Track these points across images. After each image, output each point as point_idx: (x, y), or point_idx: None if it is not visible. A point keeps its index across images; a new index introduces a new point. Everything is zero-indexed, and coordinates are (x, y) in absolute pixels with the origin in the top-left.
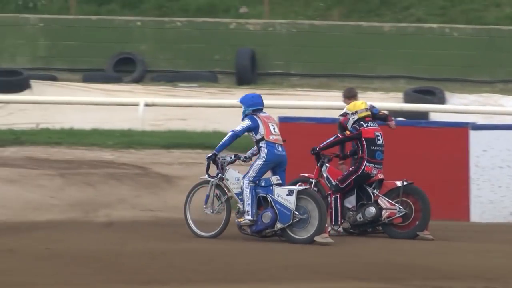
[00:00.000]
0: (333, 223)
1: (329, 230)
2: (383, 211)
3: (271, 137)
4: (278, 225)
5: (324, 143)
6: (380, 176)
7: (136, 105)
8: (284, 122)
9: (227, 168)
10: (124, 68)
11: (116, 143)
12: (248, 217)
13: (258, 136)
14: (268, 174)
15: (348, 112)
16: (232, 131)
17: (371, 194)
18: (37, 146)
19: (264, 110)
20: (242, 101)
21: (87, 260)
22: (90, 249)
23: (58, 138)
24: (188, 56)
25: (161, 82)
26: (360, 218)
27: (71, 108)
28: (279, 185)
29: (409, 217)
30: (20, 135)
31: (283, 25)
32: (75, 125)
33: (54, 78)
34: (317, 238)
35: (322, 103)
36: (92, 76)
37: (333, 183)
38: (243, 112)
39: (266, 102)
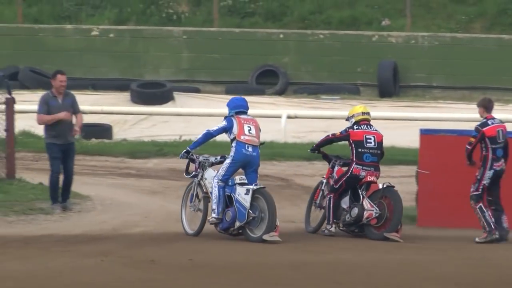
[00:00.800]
0: (326, 222)
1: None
2: (364, 212)
3: (242, 137)
4: (237, 223)
5: (318, 141)
6: (370, 178)
7: (279, 117)
8: (426, 134)
9: (208, 168)
10: (267, 81)
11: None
12: (214, 215)
13: (231, 136)
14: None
15: (349, 116)
16: (208, 130)
17: (360, 195)
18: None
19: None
20: (228, 104)
21: (229, 271)
22: (231, 260)
23: (200, 150)
24: (330, 69)
25: (303, 94)
26: (348, 218)
27: (213, 120)
28: (242, 184)
29: (383, 218)
30: (163, 146)
31: (425, 38)
32: (217, 137)
33: (197, 90)
34: (265, 237)
35: (464, 115)
36: (235, 88)
37: (331, 183)
38: (229, 114)
39: (407, 114)
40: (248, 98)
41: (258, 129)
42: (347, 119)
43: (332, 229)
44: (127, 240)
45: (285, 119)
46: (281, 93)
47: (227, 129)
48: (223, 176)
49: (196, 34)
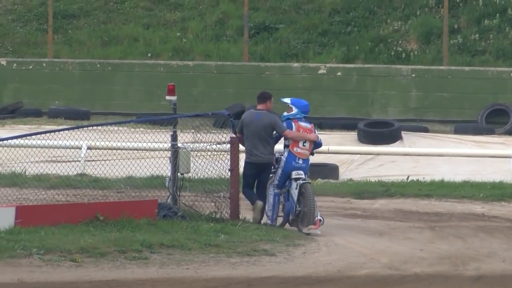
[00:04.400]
0: None
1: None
2: None
3: (295, 149)
4: (291, 217)
5: None
6: None
7: (509, 157)
8: None
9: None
10: (497, 120)
11: (487, 195)
12: (268, 221)
13: (286, 143)
14: None
15: None
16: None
17: None
18: (407, 198)
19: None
20: (296, 104)
21: None
22: None
23: (428, 190)
24: None
25: None
26: None
27: (442, 160)
28: (296, 179)
29: None
30: (390, 187)
31: None
32: (446, 177)
33: (425, 130)
34: (304, 230)
35: None
36: (464, 127)
37: None
38: (293, 114)
39: None
40: (477, 138)
41: (311, 142)
42: None
43: None
44: (352, 282)
45: None
46: (511, 132)
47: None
48: (277, 185)
49: (425, 73)
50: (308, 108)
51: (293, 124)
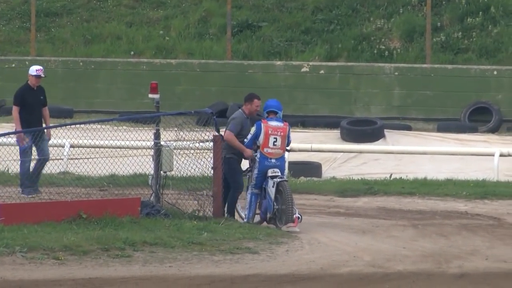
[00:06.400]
0: None
1: (299, 220)
2: None
3: (265, 149)
4: (268, 215)
5: None
6: None
7: (491, 155)
8: None
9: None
10: (480, 118)
11: (470, 193)
12: (245, 220)
13: (258, 144)
14: None
15: None
16: (245, 142)
17: None
18: (390, 196)
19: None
20: (264, 105)
21: None
22: None
23: (411, 188)
24: None
25: None
26: None
27: (425, 158)
28: (272, 177)
29: None
30: (373, 185)
31: None
32: (429, 175)
33: (408, 128)
34: (283, 228)
35: None
36: (447, 125)
37: None
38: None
39: None
40: (460, 136)
41: (284, 138)
42: None
43: None
44: (335, 280)
45: (498, 157)
46: (494, 130)
47: (257, 135)
48: (255, 184)
49: (408, 71)
50: (269, 102)
51: (262, 124)
